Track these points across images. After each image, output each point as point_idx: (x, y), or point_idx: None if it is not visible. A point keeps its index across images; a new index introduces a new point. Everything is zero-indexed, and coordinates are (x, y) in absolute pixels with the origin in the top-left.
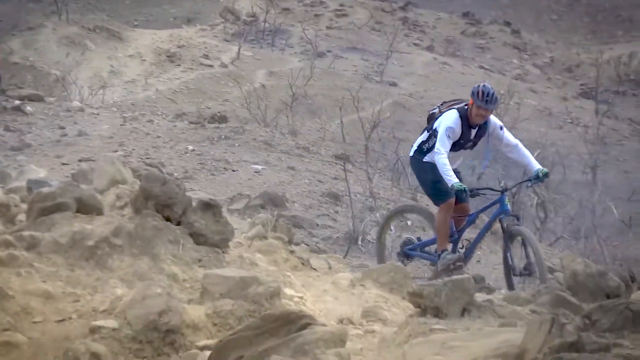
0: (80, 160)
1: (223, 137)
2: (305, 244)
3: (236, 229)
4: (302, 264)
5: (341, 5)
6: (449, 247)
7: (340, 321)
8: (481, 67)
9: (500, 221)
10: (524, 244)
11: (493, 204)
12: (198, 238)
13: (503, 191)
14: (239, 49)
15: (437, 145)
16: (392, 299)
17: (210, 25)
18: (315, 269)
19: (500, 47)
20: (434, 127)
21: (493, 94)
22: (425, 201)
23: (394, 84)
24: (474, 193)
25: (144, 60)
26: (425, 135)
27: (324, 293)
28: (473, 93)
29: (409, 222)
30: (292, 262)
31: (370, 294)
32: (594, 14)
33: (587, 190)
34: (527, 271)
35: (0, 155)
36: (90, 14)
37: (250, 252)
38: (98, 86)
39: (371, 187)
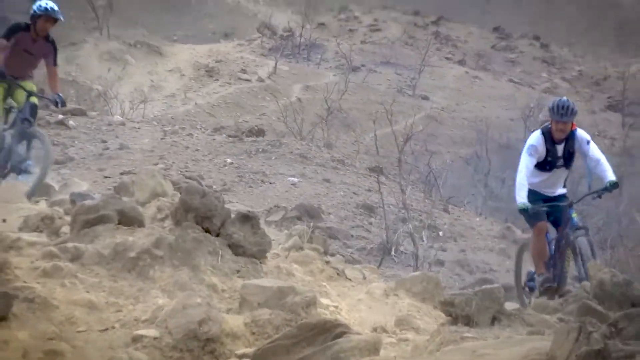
0: (121, 173)
1: (260, 150)
2: (341, 255)
3: (273, 240)
4: (337, 274)
5: (375, 20)
6: (546, 269)
7: (374, 330)
8: (511, 80)
9: (567, 235)
10: (580, 254)
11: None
12: (237, 249)
13: (570, 205)
14: (276, 64)
15: (519, 165)
16: (424, 308)
17: (248, 40)
18: (350, 279)
19: (529, 60)
20: None
21: (568, 106)
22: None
23: (426, 98)
24: (537, 212)
25: (183, 74)
26: None
27: (359, 302)
28: (550, 109)
29: None
30: (328, 273)
31: (403, 303)
32: (621, 28)
33: (613, 201)
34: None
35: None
36: (130, 30)
37: (287, 263)
38: (139, 100)
39: (404, 198)
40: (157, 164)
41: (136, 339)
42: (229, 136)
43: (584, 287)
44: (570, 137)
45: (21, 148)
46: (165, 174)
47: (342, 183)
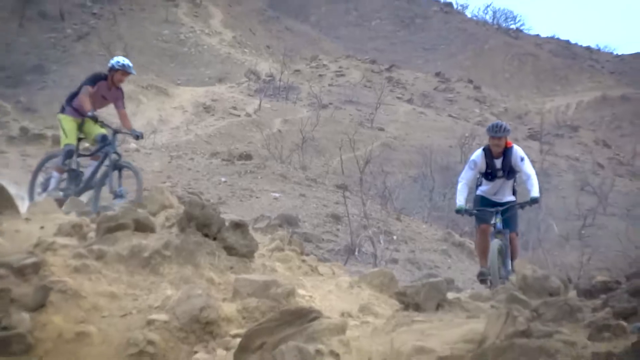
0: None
1: (248, 171)
2: (314, 255)
3: (260, 243)
4: (312, 270)
5: (340, 67)
6: (486, 263)
7: (342, 315)
8: (450, 115)
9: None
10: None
11: None
12: (230, 250)
13: (495, 212)
14: (260, 102)
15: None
16: (382, 297)
17: (237, 83)
18: (321, 274)
19: (464, 99)
20: None
21: (501, 125)
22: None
23: (381, 129)
24: (470, 213)
25: (186, 111)
26: None
27: (329, 293)
28: (487, 129)
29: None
30: (304, 269)
31: (365, 293)
32: (537, 74)
33: (534, 212)
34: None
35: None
36: (143, 75)
37: (270, 261)
38: (150, 132)
39: (365, 210)
40: (165, 182)
41: (150, 322)
42: (223, 160)
43: (511, 281)
44: (507, 153)
45: (113, 177)
46: (172, 190)
47: (314, 197)
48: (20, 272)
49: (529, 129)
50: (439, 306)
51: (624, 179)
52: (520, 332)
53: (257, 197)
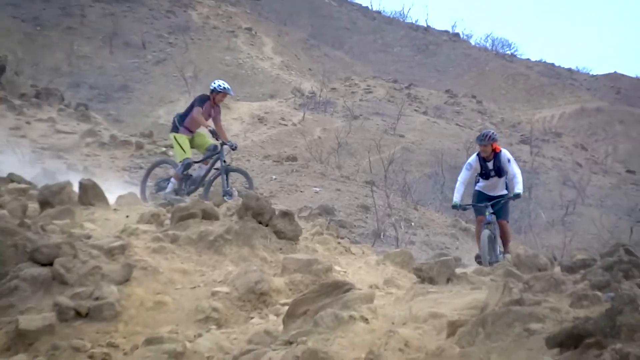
0: None
1: (294, 170)
2: (347, 238)
3: (303, 228)
4: (345, 250)
5: (368, 86)
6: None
7: (370, 287)
8: (457, 124)
9: (482, 227)
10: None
11: None
12: (279, 234)
13: (486, 207)
14: (304, 114)
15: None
16: (402, 272)
17: (285, 99)
18: (353, 254)
19: (469, 111)
20: None
21: (486, 134)
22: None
23: (402, 136)
24: (464, 208)
25: (244, 121)
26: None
27: (359, 269)
28: (476, 138)
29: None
30: (339, 250)
31: (389, 269)
32: (528, 90)
33: (525, 202)
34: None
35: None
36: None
37: (312, 243)
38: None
39: (388, 201)
40: None
41: (214, 294)
42: (274, 161)
43: (507, 259)
44: (497, 156)
45: (223, 179)
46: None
47: (348, 191)
48: (110, 252)
49: (521, 135)
50: (448, 280)
51: (598, 176)
52: (515, 300)
53: (301, 191)
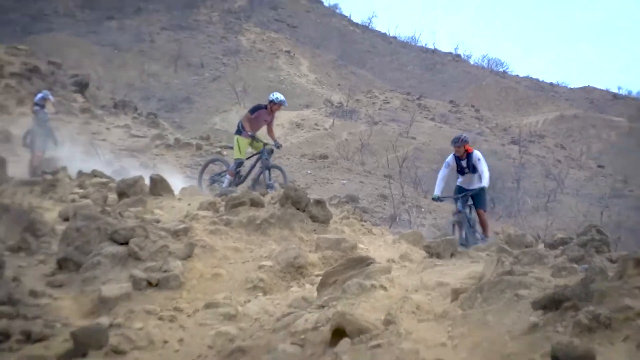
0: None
1: (325, 166)
2: (369, 221)
3: (333, 214)
4: (368, 231)
5: (386, 97)
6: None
7: (388, 261)
8: (459, 129)
9: (459, 214)
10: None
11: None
12: (314, 218)
13: (458, 198)
14: (333, 121)
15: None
16: (414, 249)
17: (318, 109)
18: (374, 234)
19: (469, 118)
20: None
21: (458, 137)
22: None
23: (414, 138)
24: (442, 199)
25: (284, 127)
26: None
27: (379, 246)
28: (451, 140)
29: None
30: (362, 231)
31: (403, 246)
32: (517, 100)
33: (514, 192)
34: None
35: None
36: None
37: (340, 226)
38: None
39: (403, 191)
40: None
41: (260, 267)
42: (309, 159)
43: (499, 238)
44: (469, 156)
45: (266, 174)
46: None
47: (370, 183)
48: (175, 234)
49: (512, 137)
50: (452, 255)
51: (575, 170)
52: (507, 271)
53: (331, 184)
